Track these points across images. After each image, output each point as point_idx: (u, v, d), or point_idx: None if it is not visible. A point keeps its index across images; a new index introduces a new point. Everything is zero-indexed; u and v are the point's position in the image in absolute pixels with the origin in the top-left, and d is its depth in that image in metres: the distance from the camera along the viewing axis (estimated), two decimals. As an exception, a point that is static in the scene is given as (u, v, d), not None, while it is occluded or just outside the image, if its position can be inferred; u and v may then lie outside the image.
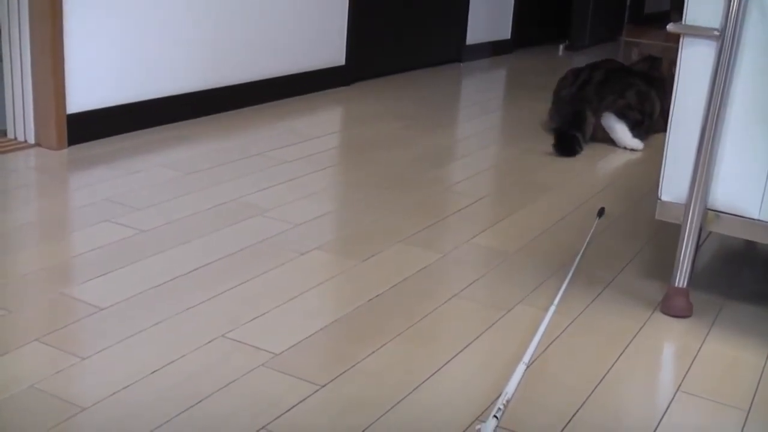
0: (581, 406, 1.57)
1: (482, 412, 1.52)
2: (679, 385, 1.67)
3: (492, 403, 1.55)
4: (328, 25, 4.07)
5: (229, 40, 3.52)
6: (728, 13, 1.78)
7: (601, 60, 3.77)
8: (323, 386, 1.57)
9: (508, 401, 1.54)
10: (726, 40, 1.79)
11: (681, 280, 1.95)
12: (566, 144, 3.30)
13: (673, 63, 3.75)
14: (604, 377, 1.67)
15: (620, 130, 3.44)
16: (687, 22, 1.85)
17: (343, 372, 1.62)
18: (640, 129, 3.49)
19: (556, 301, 1.97)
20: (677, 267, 1.95)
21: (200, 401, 1.49)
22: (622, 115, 3.46)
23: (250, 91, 3.68)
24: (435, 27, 4.99)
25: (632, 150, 3.44)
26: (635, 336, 1.86)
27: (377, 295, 1.96)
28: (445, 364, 1.68)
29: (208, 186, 2.62)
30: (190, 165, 2.81)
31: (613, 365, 1.72)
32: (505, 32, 5.74)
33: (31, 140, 2.93)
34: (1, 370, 1.54)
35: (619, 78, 3.56)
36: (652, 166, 3.24)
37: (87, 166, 2.74)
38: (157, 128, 3.23)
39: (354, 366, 1.65)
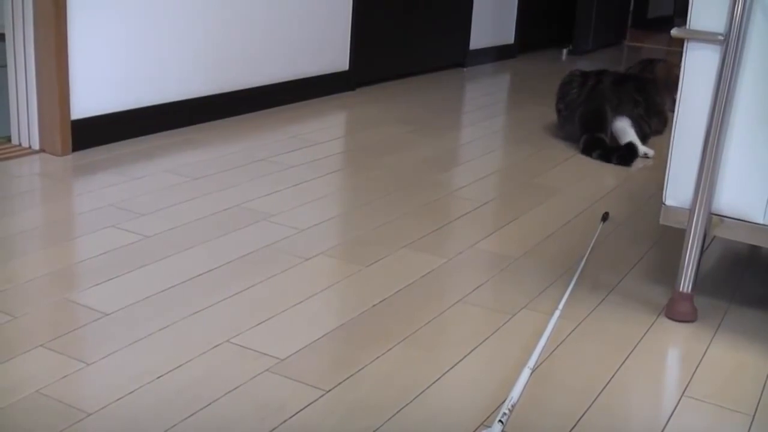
0: (586, 410, 1.57)
1: (487, 417, 1.52)
2: (684, 390, 1.67)
3: (497, 408, 1.55)
4: (331, 30, 4.08)
5: (233, 45, 3.52)
6: (732, 18, 1.78)
7: (600, 69, 3.76)
8: (328, 391, 1.57)
9: (513, 406, 1.54)
10: (730, 44, 1.79)
11: (685, 284, 1.95)
12: (626, 153, 3.31)
13: (670, 66, 3.75)
14: (608, 382, 1.67)
15: (633, 136, 3.41)
16: (691, 27, 1.85)
17: (348, 377, 1.62)
18: (644, 142, 3.49)
19: (560, 306, 1.97)
20: (682, 271, 1.95)
21: (205, 406, 1.50)
22: (636, 124, 3.45)
23: (254, 97, 3.68)
24: (438, 32, 5.00)
25: (644, 156, 3.40)
26: (640, 341, 1.85)
27: (382, 300, 1.96)
28: (450, 368, 1.68)
29: (212, 191, 2.62)
30: (194, 170, 2.82)
31: (617, 370, 1.72)
32: (508, 37, 5.75)
33: (36, 146, 2.93)
34: (6, 376, 1.55)
35: (627, 90, 3.56)
36: (656, 170, 3.24)
37: (92, 172, 2.74)
38: (162, 134, 3.24)
39: (359, 371, 1.65)
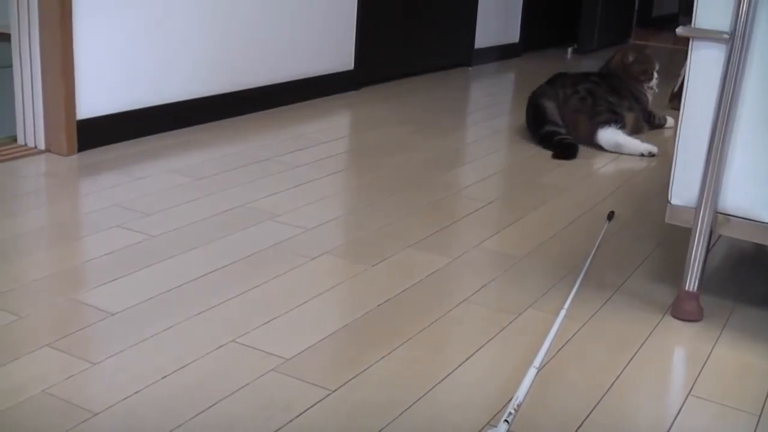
0: (592, 410, 1.57)
1: (493, 417, 1.52)
2: (690, 390, 1.67)
3: (503, 408, 1.55)
4: (336, 30, 4.08)
5: (237, 45, 3.53)
6: (738, 16, 1.77)
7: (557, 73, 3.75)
8: (334, 391, 1.57)
9: (518, 405, 1.54)
10: (735, 43, 1.79)
11: (691, 283, 1.95)
12: (564, 149, 3.32)
13: (624, 52, 3.75)
14: (614, 381, 1.67)
15: (625, 141, 3.40)
16: (696, 26, 1.84)
17: (354, 377, 1.62)
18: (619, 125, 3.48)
19: (566, 305, 1.97)
20: (687, 271, 1.95)
21: (211, 406, 1.50)
22: (608, 123, 3.43)
23: (259, 96, 3.68)
24: (443, 31, 5.00)
25: (650, 155, 3.38)
26: (646, 340, 1.85)
27: (387, 300, 1.96)
28: (456, 368, 1.68)
29: (217, 191, 2.62)
30: (199, 170, 2.82)
31: (623, 369, 1.72)
32: (513, 36, 5.74)
33: (41, 146, 2.94)
34: (12, 376, 1.55)
35: (563, 78, 3.60)
36: (661, 169, 3.23)
37: (97, 172, 2.75)
38: (167, 134, 3.24)
39: (364, 371, 1.65)
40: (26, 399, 1.48)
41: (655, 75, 3.73)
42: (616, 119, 3.44)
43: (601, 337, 1.86)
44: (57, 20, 2.78)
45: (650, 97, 3.78)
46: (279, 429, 1.45)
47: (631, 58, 3.71)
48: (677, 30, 1.88)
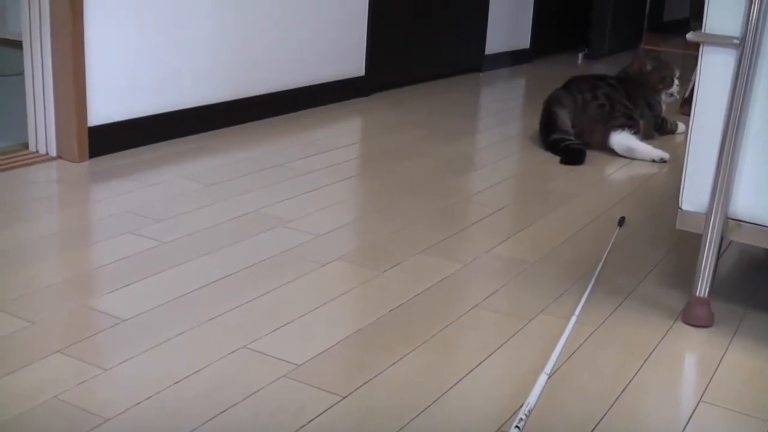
0: (603, 416, 1.56)
1: (504, 422, 1.52)
2: (701, 395, 1.66)
3: (514, 414, 1.55)
4: (347, 36, 4.09)
5: (248, 52, 3.54)
6: (748, 21, 1.77)
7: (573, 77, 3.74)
8: (345, 397, 1.57)
9: (530, 411, 1.54)
10: (746, 48, 1.78)
11: (702, 289, 1.95)
12: (571, 154, 3.32)
13: (642, 61, 3.73)
14: (625, 387, 1.67)
15: (638, 146, 3.40)
16: (707, 31, 1.84)
17: (365, 383, 1.63)
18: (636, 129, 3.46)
19: (577, 311, 1.96)
20: (698, 276, 1.94)
21: (222, 412, 1.50)
22: (623, 128, 3.42)
23: (269, 103, 3.69)
24: (454, 37, 5.00)
25: (661, 161, 3.38)
26: (657, 346, 1.85)
27: (398, 306, 1.96)
28: (467, 374, 1.68)
29: (228, 197, 2.63)
30: (210, 176, 2.83)
31: (634, 375, 1.72)
32: (524, 41, 5.74)
33: (53, 153, 2.95)
34: (24, 381, 1.56)
35: (580, 82, 3.59)
36: (672, 175, 3.23)
37: (108, 178, 2.76)
38: (178, 140, 3.25)
39: (375, 376, 1.65)
40: (38, 405, 1.49)
41: (676, 81, 3.72)
42: (630, 124, 3.44)
43: (612, 342, 1.85)
44: (69, 27, 2.80)
45: (664, 107, 3.77)
46: (290, 435, 1.45)
47: (649, 67, 3.69)
48: (688, 35, 1.87)
